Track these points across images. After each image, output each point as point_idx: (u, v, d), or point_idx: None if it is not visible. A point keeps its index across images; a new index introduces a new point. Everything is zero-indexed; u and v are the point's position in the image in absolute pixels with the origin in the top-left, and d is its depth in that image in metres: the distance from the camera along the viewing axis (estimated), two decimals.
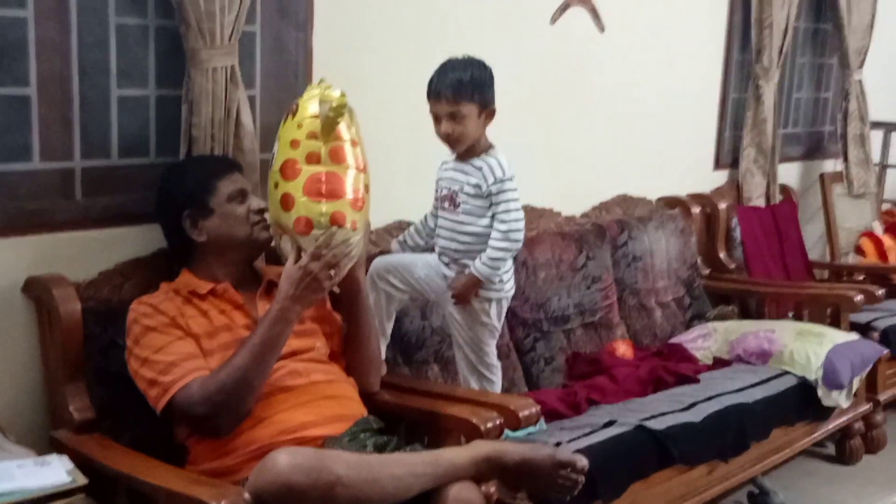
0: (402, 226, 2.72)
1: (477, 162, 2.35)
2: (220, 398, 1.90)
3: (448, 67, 2.31)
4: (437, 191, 2.47)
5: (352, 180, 2.00)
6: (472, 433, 2.10)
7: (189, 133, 2.21)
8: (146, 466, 1.88)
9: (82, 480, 1.79)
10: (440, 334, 2.71)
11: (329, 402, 2.05)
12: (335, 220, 1.96)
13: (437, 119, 2.32)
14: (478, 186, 2.34)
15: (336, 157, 1.99)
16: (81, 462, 1.87)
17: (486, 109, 2.33)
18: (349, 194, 1.99)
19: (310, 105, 2.02)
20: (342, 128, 2.01)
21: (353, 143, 2.03)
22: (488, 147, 2.38)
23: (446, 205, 2.40)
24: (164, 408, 1.94)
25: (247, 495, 1.67)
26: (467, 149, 2.36)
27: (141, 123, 2.24)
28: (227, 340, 2.01)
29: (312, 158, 1.98)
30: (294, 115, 2.03)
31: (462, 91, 2.27)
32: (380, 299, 2.43)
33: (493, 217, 2.34)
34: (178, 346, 1.96)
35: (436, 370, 2.72)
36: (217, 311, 2.06)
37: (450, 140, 2.33)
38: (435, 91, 2.29)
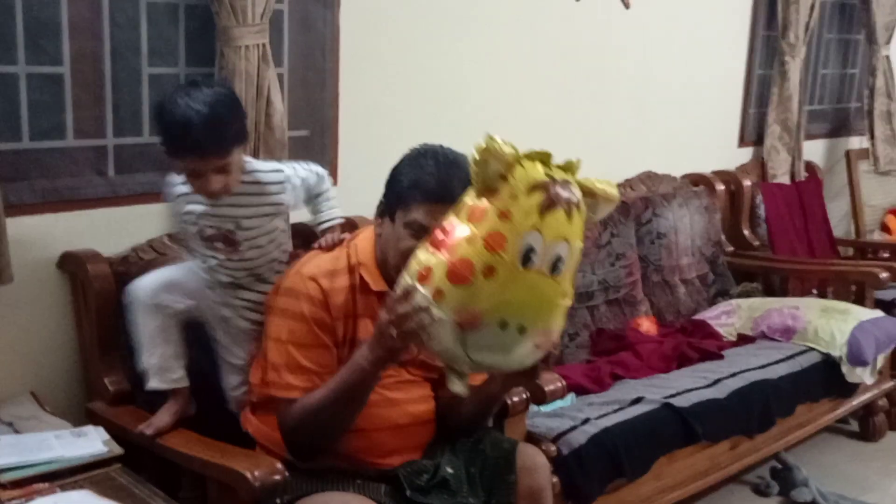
0: None
1: (252, 188, 1.91)
2: (299, 430, 1.79)
3: (191, 118, 1.76)
4: (186, 229, 1.96)
5: (465, 245, 1.57)
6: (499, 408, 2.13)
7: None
8: (180, 437, 1.91)
9: (118, 451, 1.85)
10: None
11: (420, 429, 1.94)
12: (420, 276, 1.60)
13: (197, 175, 1.83)
14: (279, 205, 1.96)
15: (474, 216, 1.59)
16: (116, 433, 1.93)
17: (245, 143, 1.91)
18: (448, 257, 1.58)
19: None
20: (505, 194, 1.58)
21: (504, 216, 1.57)
22: (243, 166, 1.91)
23: (218, 245, 1.93)
24: (261, 399, 1.88)
25: (280, 465, 1.69)
26: None
27: None
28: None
29: (474, 215, 1.60)
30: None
31: (225, 138, 1.81)
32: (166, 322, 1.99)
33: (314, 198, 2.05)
34: (320, 355, 1.82)
35: None
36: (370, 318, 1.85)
37: (221, 193, 1.85)
38: (193, 147, 1.78)
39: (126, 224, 2.22)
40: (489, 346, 1.59)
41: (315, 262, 1.89)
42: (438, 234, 1.61)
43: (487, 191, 1.58)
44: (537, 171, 1.58)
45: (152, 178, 2.23)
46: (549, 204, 1.56)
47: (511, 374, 1.79)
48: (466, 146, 1.65)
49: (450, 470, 1.86)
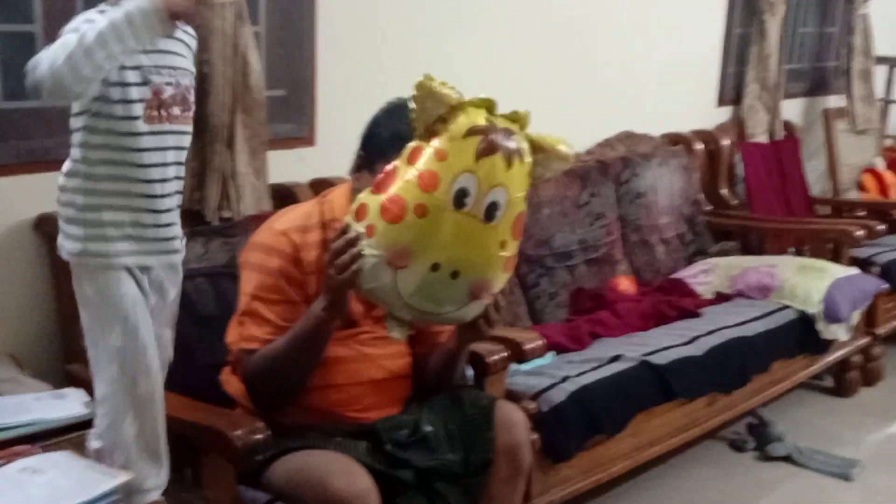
0: None
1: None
2: (258, 380, 1.83)
3: None
4: (133, 91, 1.52)
5: (399, 184, 1.60)
6: (478, 365, 2.15)
7: (199, 70, 2.21)
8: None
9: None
10: None
11: (398, 382, 1.97)
12: (356, 214, 1.64)
13: None
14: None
15: (414, 157, 1.62)
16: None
17: None
18: (384, 196, 1.61)
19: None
20: (444, 136, 1.60)
21: (440, 157, 1.59)
22: None
23: (176, 111, 1.58)
24: (236, 357, 1.88)
25: (261, 424, 1.70)
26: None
27: None
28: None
29: (413, 155, 1.63)
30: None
31: None
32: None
33: None
34: (286, 310, 1.83)
35: None
36: None
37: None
38: None
39: None
40: (421, 289, 1.60)
41: (287, 217, 1.91)
42: (380, 176, 1.64)
43: (429, 133, 1.60)
44: (479, 117, 1.59)
45: None
46: (487, 149, 1.57)
47: (463, 330, 1.83)
48: None
49: (429, 427, 1.88)
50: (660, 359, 2.62)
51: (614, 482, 2.67)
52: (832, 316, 3.16)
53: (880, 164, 4.69)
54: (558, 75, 3.34)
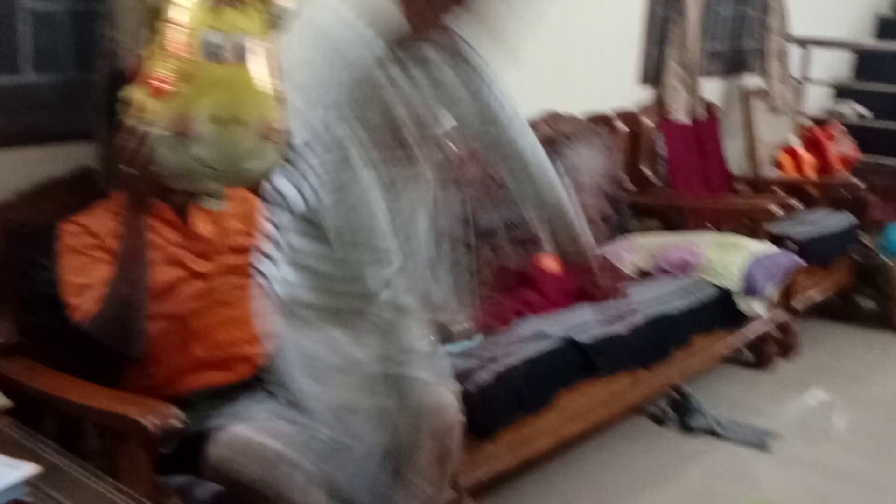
0: None
1: None
2: (110, 324, 1.85)
3: None
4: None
5: (157, 64, 1.73)
6: None
7: (109, 49, 2.14)
8: (73, 386, 1.87)
9: (7, 404, 1.79)
10: None
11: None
12: (136, 113, 1.74)
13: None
14: None
15: (159, 37, 1.77)
16: (6, 386, 1.87)
17: None
18: (149, 82, 1.73)
19: None
20: (175, 10, 1.76)
21: (180, 25, 1.75)
22: None
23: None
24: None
25: (175, 410, 1.68)
26: None
27: (55, 38, 2.15)
28: (155, 259, 1.96)
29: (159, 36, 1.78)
30: None
31: None
32: None
33: None
34: (98, 270, 1.90)
35: None
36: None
37: None
38: None
39: (9, 169, 2.11)
40: (214, 146, 1.74)
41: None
42: (132, 70, 1.77)
43: (159, 12, 1.75)
44: None
45: (35, 119, 2.13)
46: (215, 3, 1.74)
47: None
48: None
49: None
50: (583, 336, 2.65)
51: (540, 459, 2.70)
52: (750, 291, 3.24)
53: (796, 143, 4.81)
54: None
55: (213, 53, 1.72)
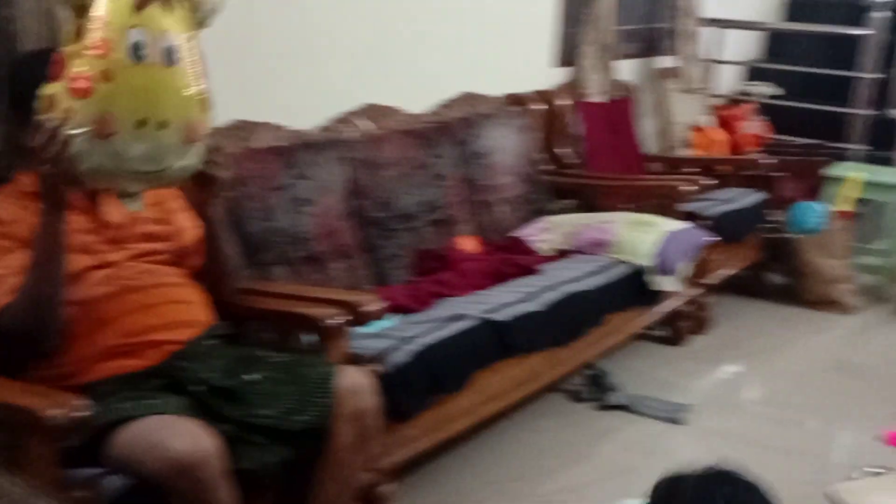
0: None
1: None
2: (22, 319, 1.80)
3: None
4: None
5: (77, 62, 1.69)
6: (318, 329, 2.13)
7: (6, 28, 2.06)
8: None
9: None
10: (285, 235, 2.69)
11: (176, 306, 2.01)
12: (48, 107, 1.70)
13: None
14: None
15: (79, 34, 1.71)
16: None
17: None
18: (67, 79, 1.69)
19: None
20: (99, 5, 1.70)
21: (104, 23, 1.70)
22: None
23: None
24: None
25: (78, 401, 1.64)
26: None
27: None
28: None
29: (80, 33, 1.72)
30: None
31: None
32: None
33: None
34: (5, 259, 1.84)
35: (281, 271, 2.71)
36: None
37: None
38: None
39: None
40: (136, 148, 1.70)
41: None
42: (54, 68, 1.70)
43: (84, 9, 1.69)
44: None
45: None
46: (142, 2, 1.69)
47: (200, 184, 1.95)
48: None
49: (256, 376, 1.93)
50: (500, 316, 2.67)
51: (458, 439, 2.72)
52: (663, 268, 3.30)
53: (707, 122, 4.91)
54: (394, 36, 3.31)
55: (139, 54, 1.68)
